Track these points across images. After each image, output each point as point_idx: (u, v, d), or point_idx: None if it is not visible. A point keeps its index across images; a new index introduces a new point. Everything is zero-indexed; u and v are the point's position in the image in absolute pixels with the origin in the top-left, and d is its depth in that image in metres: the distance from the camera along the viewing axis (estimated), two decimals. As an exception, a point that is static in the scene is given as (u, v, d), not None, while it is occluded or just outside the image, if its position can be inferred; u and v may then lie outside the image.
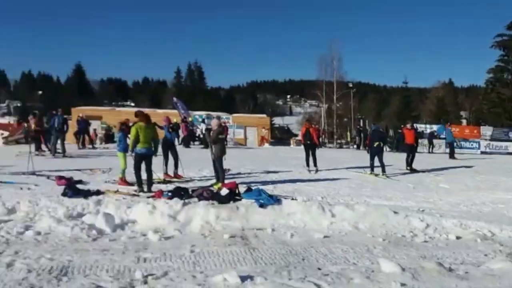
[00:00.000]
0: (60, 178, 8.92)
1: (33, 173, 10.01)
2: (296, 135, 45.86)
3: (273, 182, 9.85)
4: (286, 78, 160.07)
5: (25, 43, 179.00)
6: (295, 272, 4.54)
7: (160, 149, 10.18)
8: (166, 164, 10.40)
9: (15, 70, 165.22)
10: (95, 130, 24.10)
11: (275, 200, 7.29)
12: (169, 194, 7.56)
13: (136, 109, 21.21)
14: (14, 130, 27.54)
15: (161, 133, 10.91)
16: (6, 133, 26.44)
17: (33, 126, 15.90)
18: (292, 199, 7.61)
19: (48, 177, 9.56)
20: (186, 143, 22.36)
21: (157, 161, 10.00)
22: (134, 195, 7.86)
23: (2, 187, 8.21)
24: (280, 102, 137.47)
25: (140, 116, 8.87)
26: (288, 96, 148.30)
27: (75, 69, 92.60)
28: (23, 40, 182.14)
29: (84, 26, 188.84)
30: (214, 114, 29.53)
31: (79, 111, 26.43)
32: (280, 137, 48.09)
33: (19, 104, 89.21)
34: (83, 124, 20.10)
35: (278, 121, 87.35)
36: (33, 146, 13.88)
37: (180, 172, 10.48)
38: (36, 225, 6.17)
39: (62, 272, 4.40)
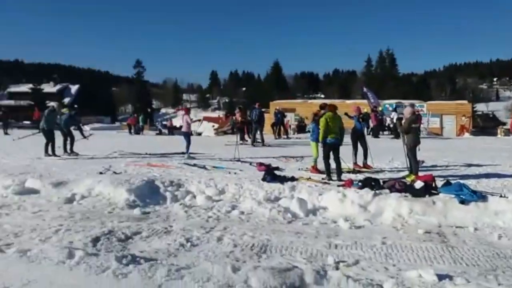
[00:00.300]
0: (260, 164, 9.82)
1: (238, 160, 11.29)
2: (504, 124, 39.62)
3: (476, 177, 8.76)
4: (493, 58, 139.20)
5: (233, 46, 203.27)
6: (504, 277, 3.98)
7: (348, 139, 10.20)
8: (355, 154, 10.34)
9: (225, 70, 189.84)
10: (287, 121, 25.60)
11: (480, 196, 6.49)
12: (359, 184, 7.51)
13: (326, 101, 21.68)
14: (223, 122, 31.57)
15: (351, 123, 10.90)
16: (216, 125, 30.51)
17: (239, 118, 17.83)
18: (501, 196, 6.64)
19: (250, 163, 10.63)
20: (376, 132, 21.78)
21: (347, 151, 10.03)
22: (325, 183, 8.08)
23: (214, 171, 9.50)
24: (484, 86, 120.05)
25: (329, 106, 9.05)
26: (495, 79, 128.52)
27: (273, 66, 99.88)
28: (232, 44, 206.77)
29: (281, 26, 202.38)
30: (406, 102, 27.86)
31: (276, 105, 28.46)
32: (484, 125, 42.13)
33: (227, 100, 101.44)
34: (280, 116, 21.55)
35: (481, 107, 76.66)
36: (238, 136, 15.57)
37: (369, 163, 10.29)
38: (240, 205, 6.97)
39: (262, 249, 4.87)
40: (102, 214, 6.51)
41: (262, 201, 7.00)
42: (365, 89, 27.30)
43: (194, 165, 10.35)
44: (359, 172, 9.56)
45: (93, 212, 6.63)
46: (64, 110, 13.45)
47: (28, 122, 39.83)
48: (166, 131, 33.51)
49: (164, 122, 40.75)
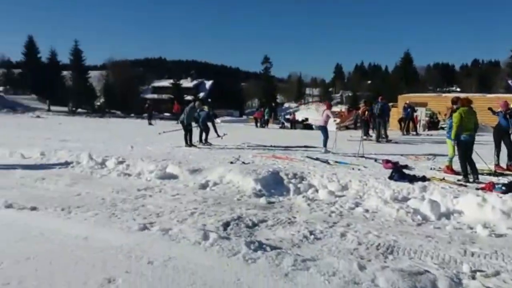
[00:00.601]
0: (387, 162, 9.39)
1: (362, 156, 10.98)
2: None
3: None
4: None
5: (359, 38, 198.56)
6: None
7: (490, 137, 9.18)
8: (497, 154, 9.28)
9: (350, 63, 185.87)
10: (416, 116, 23.99)
11: None
12: (503, 188, 6.73)
13: (463, 94, 19.78)
14: (345, 117, 30.98)
15: (493, 120, 9.81)
16: (338, 120, 30.08)
17: (366, 113, 17.27)
18: None
19: (376, 160, 10.26)
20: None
21: (488, 151, 9.09)
22: (461, 185, 7.42)
23: (337, 167, 9.40)
24: None
25: (461, 100, 8.26)
26: None
27: (403, 57, 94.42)
28: (358, 36, 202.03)
29: (413, 15, 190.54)
30: None
31: (405, 98, 26.86)
32: None
33: (350, 94, 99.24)
34: (409, 111, 20.30)
35: None
36: (363, 131, 15.17)
37: (515, 165, 9.13)
38: (364, 203, 6.79)
39: (388, 250, 4.68)
40: (232, 201, 6.93)
41: (389, 200, 6.71)
42: (510, 82, 24.16)
43: (317, 159, 10.38)
44: (502, 174, 8.56)
45: (224, 198, 7.10)
46: (205, 107, 14.60)
47: (168, 114, 44.26)
48: (288, 124, 34.17)
49: (287, 116, 41.56)
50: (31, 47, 64.66)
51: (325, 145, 12.12)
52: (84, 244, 4.29)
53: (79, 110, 52.71)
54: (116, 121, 35.69)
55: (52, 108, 48.28)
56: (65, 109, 51.51)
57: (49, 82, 58.16)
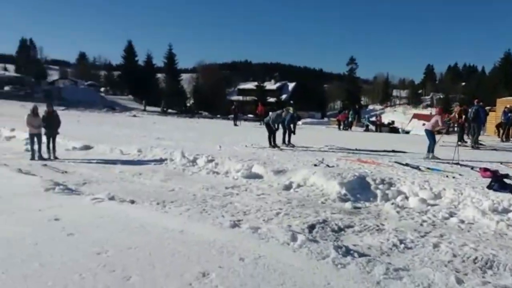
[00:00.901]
0: (485, 170, 8.70)
1: (457, 163, 10.28)
2: None
3: None
4: None
5: (454, 37, 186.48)
6: None
7: None
8: None
9: (442, 64, 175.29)
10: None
11: None
12: None
13: None
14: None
15: None
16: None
17: (462, 116, 16.13)
18: None
19: (472, 168, 9.56)
20: None
21: None
22: None
23: (429, 174, 8.92)
24: None
25: None
26: None
27: (503, 57, 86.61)
28: (452, 35, 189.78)
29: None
30: None
31: (504, 102, 24.57)
32: None
33: (441, 96, 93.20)
34: (509, 116, 18.57)
35: None
36: (457, 137, 14.23)
37: None
38: (460, 213, 6.40)
39: (487, 264, 4.39)
40: (316, 204, 6.93)
41: (487, 211, 6.25)
42: None
43: (406, 164, 9.94)
44: None
45: (308, 201, 7.12)
46: (290, 109, 14.65)
47: (251, 116, 45.23)
48: (373, 127, 33.03)
49: (372, 119, 40.24)
50: (129, 51, 69.98)
51: (431, 150, 11.44)
52: (180, 237, 4.56)
53: (170, 110, 55.83)
54: (204, 121, 37.19)
55: (147, 108, 51.70)
56: (158, 109, 54.91)
57: (145, 84, 62.54)
